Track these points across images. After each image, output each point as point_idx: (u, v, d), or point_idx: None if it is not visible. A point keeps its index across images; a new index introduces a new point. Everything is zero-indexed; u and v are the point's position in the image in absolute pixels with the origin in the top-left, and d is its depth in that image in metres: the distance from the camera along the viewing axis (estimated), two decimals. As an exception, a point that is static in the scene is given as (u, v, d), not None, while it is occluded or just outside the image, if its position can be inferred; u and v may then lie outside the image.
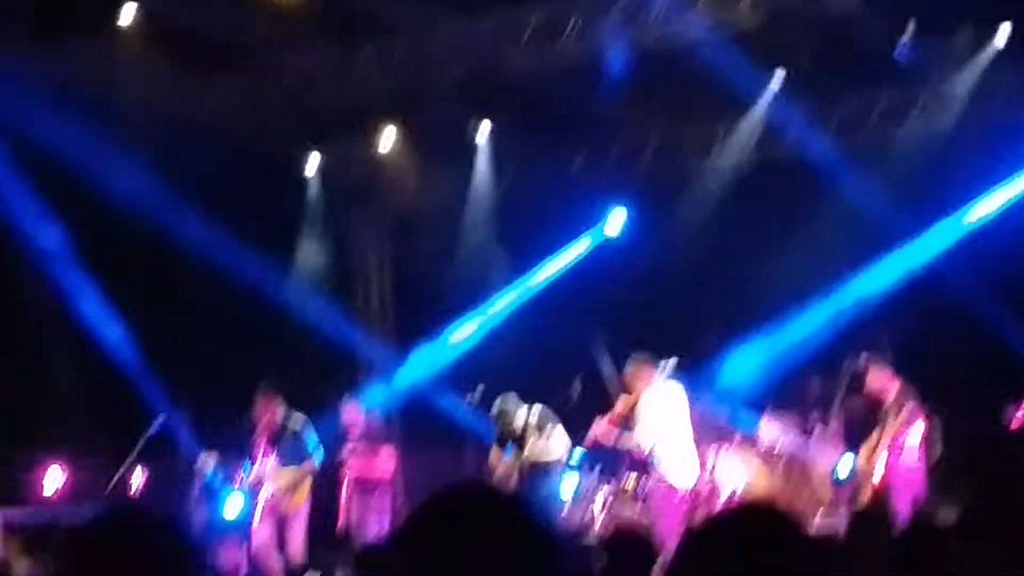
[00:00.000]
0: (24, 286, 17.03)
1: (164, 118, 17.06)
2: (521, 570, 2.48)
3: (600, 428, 15.11)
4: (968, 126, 17.61)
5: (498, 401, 15.90)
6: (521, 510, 2.59)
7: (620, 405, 15.14)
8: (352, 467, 16.16)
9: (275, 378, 15.88)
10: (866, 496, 14.71)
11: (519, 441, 15.78)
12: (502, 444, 15.96)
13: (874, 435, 14.95)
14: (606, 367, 15.53)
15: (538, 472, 15.63)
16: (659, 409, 14.91)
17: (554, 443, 15.63)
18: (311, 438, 15.56)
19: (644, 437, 14.79)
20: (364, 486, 16.02)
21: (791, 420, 17.13)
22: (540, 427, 15.68)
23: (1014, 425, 14.63)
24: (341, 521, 16.07)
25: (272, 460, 15.35)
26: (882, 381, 14.70)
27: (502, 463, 15.73)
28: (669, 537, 14.13)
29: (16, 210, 16.32)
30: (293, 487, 15.31)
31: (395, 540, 2.60)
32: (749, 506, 2.69)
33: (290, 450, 15.40)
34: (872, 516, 10.44)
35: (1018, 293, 16.39)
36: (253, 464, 15.39)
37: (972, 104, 17.66)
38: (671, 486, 14.72)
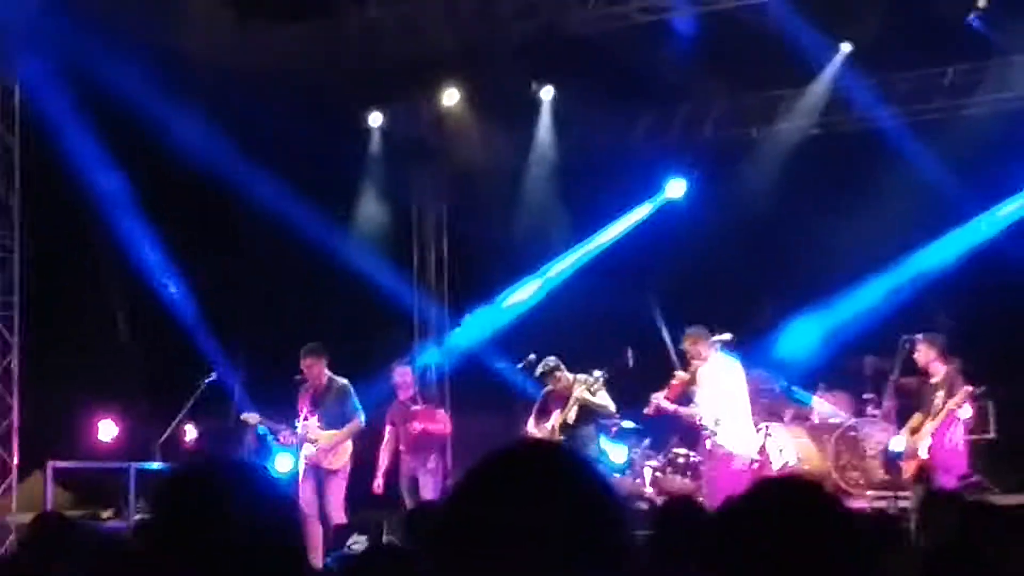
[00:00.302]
0: (85, 236, 17.09)
1: (228, 69, 17.03)
2: (580, 529, 2.42)
3: (661, 399, 15.06)
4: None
5: (546, 362, 15.81)
6: (579, 468, 2.53)
7: (679, 378, 15.07)
8: (407, 428, 16.16)
9: (321, 339, 15.88)
10: (910, 471, 14.60)
11: (562, 401, 15.69)
12: (541, 413, 15.88)
13: (919, 412, 14.84)
14: (664, 334, 15.41)
15: (585, 417, 15.50)
16: (720, 382, 14.84)
17: (601, 395, 15.55)
18: (354, 400, 15.57)
19: (705, 409, 14.73)
20: (417, 447, 16.02)
21: (844, 397, 17.04)
22: (588, 385, 15.62)
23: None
24: (380, 481, 16.07)
25: (314, 420, 15.38)
26: (929, 357, 14.57)
27: (538, 428, 15.64)
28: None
29: (80, 157, 16.34)
30: (334, 448, 15.35)
31: (451, 498, 2.55)
32: (787, 479, 2.65)
33: (333, 411, 15.43)
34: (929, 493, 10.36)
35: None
36: (299, 423, 15.43)
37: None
38: (730, 458, 14.64)
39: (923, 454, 14.41)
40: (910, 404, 16.55)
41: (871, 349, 16.91)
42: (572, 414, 15.45)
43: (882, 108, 18.00)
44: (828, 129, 18.75)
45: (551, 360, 15.67)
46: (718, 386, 14.79)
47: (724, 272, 17.72)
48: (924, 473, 14.42)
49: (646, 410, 15.27)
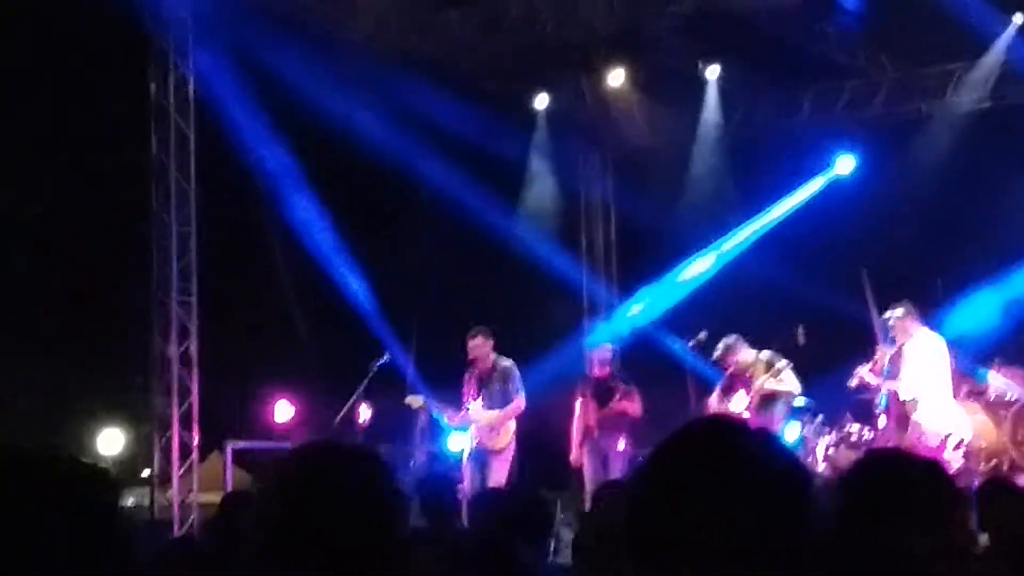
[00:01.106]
0: (259, 222, 17.38)
1: (396, 55, 17.24)
2: (770, 506, 2.42)
3: (866, 371, 15.00)
4: None
5: (726, 340, 15.79)
6: (767, 444, 2.54)
7: (883, 352, 15.00)
8: (607, 406, 16.21)
9: (491, 321, 16.02)
10: None
11: (746, 380, 15.68)
12: (726, 391, 15.89)
13: None
14: (872, 311, 15.28)
15: (768, 403, 15.50)
16: (926, 358, 14.75)
17: (786, 378, 15.51)
18: (517, 381, 15.67)
19: (907, 384, 14.65)
20: (613, 426, 16.03)
21: (1020, 373, 16.77)
22: (770, 364, 15.57)
23: None
24: (577, 453, 16.15)
25: (479, 402, 15.53)
26: None
27: (721, 408, 15.63)
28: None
29: (254, 147, 16.61)
30: (496, 428, 15.47)
31: (641, 475, 2.55)
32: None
33: (497, 392, 15.56)
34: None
35: None
36: (466, 404, 15.59)
37: None
38: (923, 435, 14.55)
39: None
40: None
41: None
42: (756, 401, 15.46)
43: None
44: (1000, 102, 18.45)
45: (730, 339, 15.68)
46: (924, 362, 14.70)
47: (897, 248, 17.54)
48: None
49: (850, 382, 15.20)
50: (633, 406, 16.16)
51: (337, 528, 3.04)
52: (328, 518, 3.05)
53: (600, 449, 16.01)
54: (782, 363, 15.41)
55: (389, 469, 3.26)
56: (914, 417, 14.57)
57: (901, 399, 14.65)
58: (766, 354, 15.59)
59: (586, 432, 16.17)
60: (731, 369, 15.82)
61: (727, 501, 2.41)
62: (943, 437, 14.67)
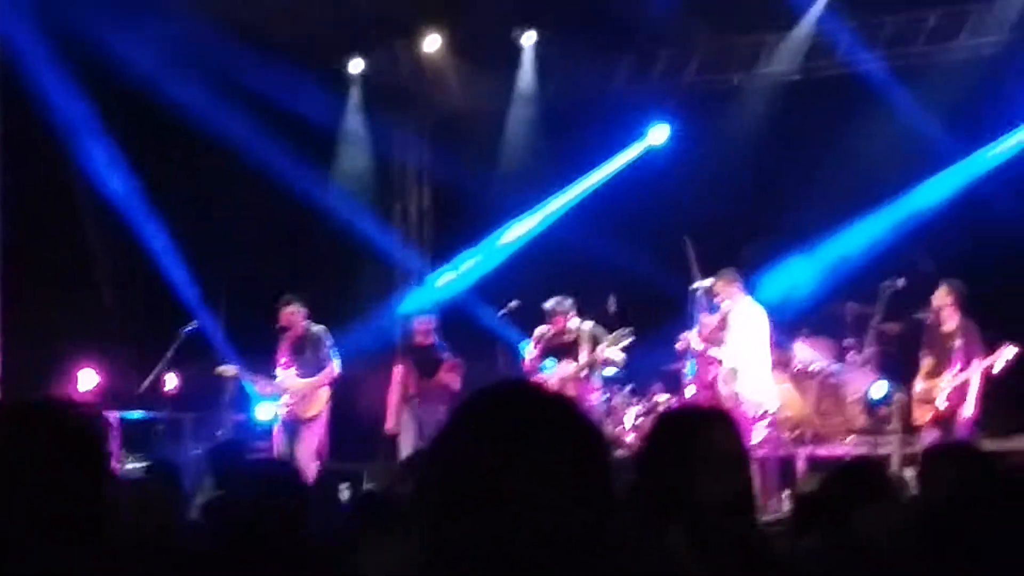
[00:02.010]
0: (67, 187, 17.00)
1: (209, 15, 16.95)
2: (565, 467, 2.43)
3: (693, 336, 15.10)
4: (1017, 47, 17.27)
5: (556, 300, 15.81)
6: (565, 408, 2.53)
7: (708, 319, 15.11)
8: (431, 376, 16.17)
9: (303, 287, 15.94)
10: (923, 418, 14.69)
11: (566, 345, 15.72)
12: (541, 354, 15.90)
13: (928, 359, 14.88)
14: (696, 276, 15.36)
15: (591, 374, 15.60)
16: (748, 326, 14.90)
17: (611, 350, 15.59)
18: (330, 347, 15.63)
19: (731, 353, 14.78)
20: (433, 396, 15.99)
21: (826, 343, 17.06)
22: (595, 337, 15.64)
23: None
24: (393, 421, 16.12)
25: (292, 370, 15.47)
26: (945, 302, 14.63)
27: (537, 373, 15.65)
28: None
29: (63, 110, 16.25)
30: (308, 395, 15.42)
31: (436, 442, 2.54)
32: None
33: (310, 359, 15.51)
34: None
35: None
36: (278, 372, 15.50)
37: (1021, 25, 17.28)
38: (740, 403, 14.70)
39: (940, 404, 14.49)
40: (891, 350, 16.65)
41: (853, 295, 16.94)
42: (583, 370, 15.54)
43: (864, 52, 17.90)
44: (811, 74, 18.65)
45: (557, 299, 15.72)
46: (746, 331, 14.84)
47: (706, 217, 17.65)
48: (939, 422, 14.53)
49: (677, 344, 15.31)
50: (456, 379, 16.17)
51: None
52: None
53: (419, 419, 16.00)
54: (625, 331, 15.51)
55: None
56: (735, 386, 14.72)
57: (724, 367, 14.77)
58: (587, 326, 15.66)
59: (406, 401, 16.14)
60: (549, 332, 15.84)
61: (524, 463, 2.41)
62: (761, 407, 14.85)
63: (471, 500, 2.40)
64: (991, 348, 14.41)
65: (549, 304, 15.85)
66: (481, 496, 2.39)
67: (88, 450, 3.17)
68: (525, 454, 2.41)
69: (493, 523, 2.38)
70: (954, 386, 14.40)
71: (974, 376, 14.34)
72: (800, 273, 17.65)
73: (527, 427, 2.45)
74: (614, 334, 15.50)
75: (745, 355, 14.80)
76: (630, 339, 15.49)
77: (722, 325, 15.01)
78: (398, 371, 16.35)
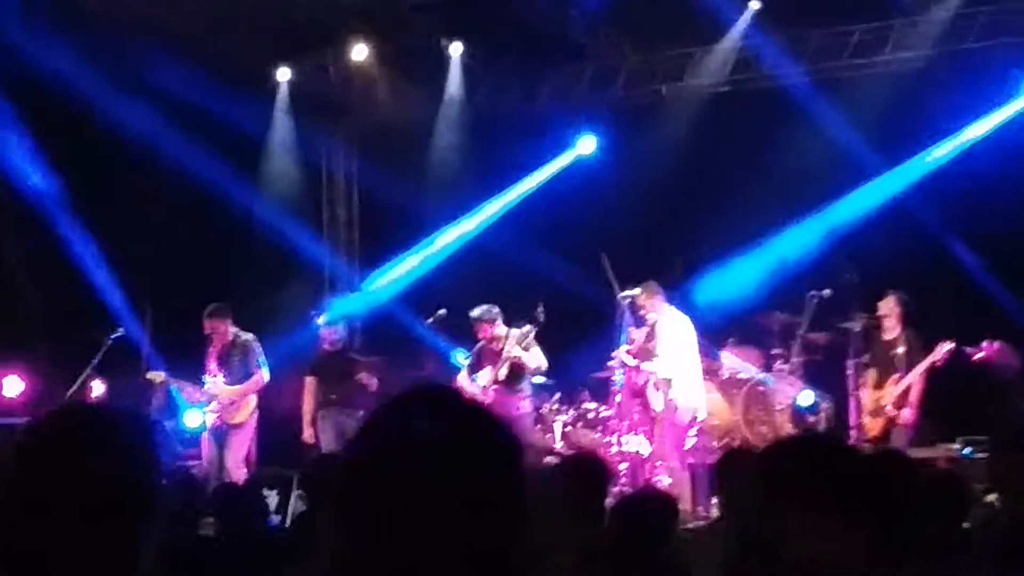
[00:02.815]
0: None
1: (134, 25, 16.88)
2: (479, 475, 2.41)
3: (623, 353, 15.15)
4: (942, 61, 17.49)
5: (487, 309, 15.83)
6: (480, 415, 2.51)
7: (636, 333, 15.18)
8: (350, 380, 16.16)
9: (231, 295, 15.93)
10: (876, 429, 15.03)
11: (495, 354, 15.74)
12: (474, 368, 15.94)
13: (872, 371, 15.27)
14: (616, 291, 15.41)
15: (515, 376, 15.60)
16: (678, 335, 14.99)
17: (534, 352, 15.62)
18: (259, 355, 15.63)
19: (665, 364, 14.85)
20: (353, 399, 15.98)
21: (754, 352, 17.17)
22: (520, 342, 15.66)
23: (976, 357, 14.73)
24: (311, 431, 16.10)
25: (220, 377, 15.47)
26: (893, 312, 15.04)
27: (471, 386, 15.67)
28: (670, 464, 14.42)
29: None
30: (236, 403, 15.42)
31: (350, 445, 2.52)
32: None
33: (238, 367, 15.52)
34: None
35: (984, 230, 16.37)
36: (205, 379, 15.48)
37: (946, 39, 17.49)
38: (675, 412, 14.80)
39: (889, 411, 14.77)
40: (818, 359, 16.81)
41: (780, 305, 17.07)
42: (504, 371, 15.53)
43: (790, 66, 18.06)
44: (737, 86, 18.80)
45: (484, 307, 15.76)
46: (676, 340, 14.94)
47: (634, 229, 17.77)
48: (890, 430, 14.84)
49: (610, 363, 15.36)
50: (373, 380, 16.18)
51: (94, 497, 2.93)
52: (83, 487, 2.94)
53: (339, 424, 15.98)
54: (528, 329, 15.54)
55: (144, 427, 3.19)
56: (670, 395, 14.83)
57: (661, 378, 14.86)
58: (515, 330, 15.70)
59: (325, 407, 16.13)
60: (481, 343, 15.88)
61: (434, 469, 2.39)
62: (693, 413, 14.99)
63: (379, 506, 2.39)
64: (929, 352, 14.73)
65: (475, 313, 15.90)
66: (390, 502, 2.38)
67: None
68: (436, 460, 2.39)
69: (401, 529, 2.37)
70: (898, 393, 14.70)
71: (916, 381, 14.64)
72: (725, 284, 17.77)
73: (439, 433, 2.43)
74: (518, 334, 15.53)
75: (677, 364, 14.91)
76: (531, 333, 15.51)
77: (650, 337, 15.10)
78: (309, 382, 16.35)
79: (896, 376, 14.88)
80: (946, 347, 14.68)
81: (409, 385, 2.61)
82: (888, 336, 15.14)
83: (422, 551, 2.37)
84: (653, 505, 7.49)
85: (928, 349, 14.84)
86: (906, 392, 14.80)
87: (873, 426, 15.09)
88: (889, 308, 15.12)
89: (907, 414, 14.74)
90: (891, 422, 14.86)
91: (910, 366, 14.82)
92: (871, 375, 15.31)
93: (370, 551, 2.39)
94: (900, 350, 14.93)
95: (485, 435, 2.48)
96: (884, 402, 14.92)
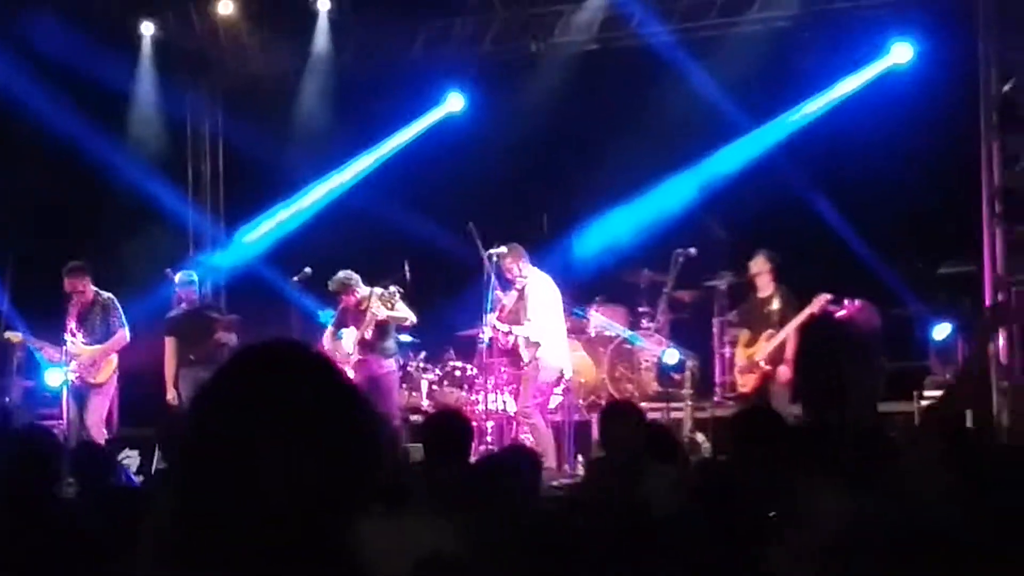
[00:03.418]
0: None
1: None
2: (325, 429, 2.36)
3: (495, 320, 15.09)
4: (808, 21, 17.60)
5: (344, 276, 15.68)
6: (329, 369, 2.46)
7: (506, 297, 15.13)
8: (209, 338, 15.97)
9: (94, 252, 15.69)
10: (749, 384, 15.13)
11: (359, 315, 15.61)
12: (338, 328, 15.81)
13: (744, 331, 15.46)
14: (484, 256, 15.30)
15: (381, 334, 15.49)
16: (545, 296, 14.97)
17: (399, 306, 15.51)
18: (120, 314, 15.44)
19: (535, 326, 14.83)
20: (216, 357, 15.78)
21: (620, 310, 17.24)
22: (382, 298, 15.54)
23: (838, 315, 14.88)
24: (174, 393, 15.89)
25: (80, 336, 15.26)
26: (763, 270, 15.15)
27: (334, 344, 15.55)
28: (533, 421, 14.45)
29: None
30: (97, 363, 15.24)
31: (193, 401, 2.46)
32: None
33: (99, 326, 15.32)
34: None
35: (848, 190, 16.55)
36: (66, 338, 15.25)
37: (811, 0, 17.62)
38: (546, 370, 14.81)
39: (762, 365, 14.86)
40: (684, 317, 16.93)
41: (647, 263, 17.15)
42: (370, 331, 15.40)
43: (658, 24, 18.08)
44: (606, 44, 18.77)
45: (343, 275, 15.59)
46: (544, 302, 14.93)
47: (503, 186, 17.75)
48: (761, 386, 14.98)
49: (482, 333, 15.29)
50: (232, 336, 16.04)
51: None
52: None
53: (198, 382, 15.73)
54: (392, 290, 15.44)
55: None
56: (538, 354, 14.82)
57: (530, 340, 14.85)
58: (378, 289, 15.59)
59: (187, 366, 15.95)
60: (343, 305, 15.75)
61: (277, 423, 2.33)
62: (560, 372, 15.02)
63: (222, 459, 2.34)
64: (803, 307, 14.86)
65: (333, 286, 15.69)
66: (232, 455, 2.33)
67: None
68: (279, 414, 2.35)
69: (242, 483, 2.32)
70: (771, 348, 14.81)
71: (790, 336, 14.75)
72: (592, 242, 17.83)
73: (283, 386, 2.39)
74: (381, 293, 15.42)
75: (545, 326, 14.92)
76: (396, 295, 15.43)
77: (519, 299, 15.08)
78: (168, 342, 16.15)
79: (769, 332, 14.97)
80: (823, 298, 14.79)
81: (252, 343, 2.53)
82: (762, 294, 15.26)
83: (252, 514, 2.32)
84: (517, 459, 7.49)
85: (802, 305, 14.94)
86: (781, 347, 14.88)
87: (746, 382, 15.20)
88: (759, 266, 15.25)
89: (783, 371, 14.84)
90: (765, 377, 14.95)
91: (783, 322, 14.93)
92: (743, 334, 15.41)
93: (203, 511, 2.34)
94: (775, 306, 15.05)
95: (331, 388, 2.43)
96: (757, 357, 15.01)
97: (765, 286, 15.26)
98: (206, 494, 2.34)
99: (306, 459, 2.32)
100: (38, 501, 5.96)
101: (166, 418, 13.15)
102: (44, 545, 5.38)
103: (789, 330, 14.89)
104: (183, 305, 16.36)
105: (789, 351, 14.88)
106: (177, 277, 16.53)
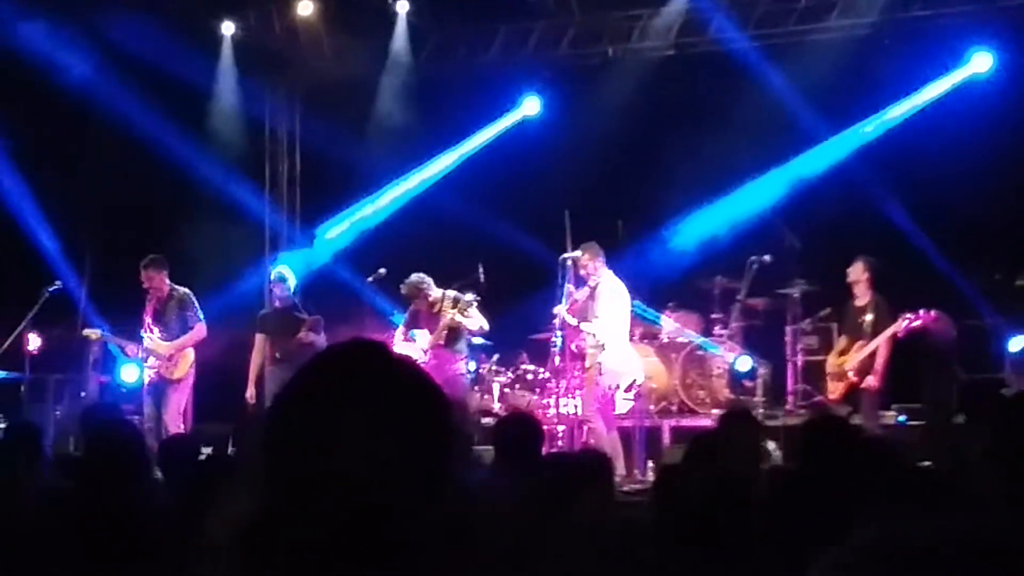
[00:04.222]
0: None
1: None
2: (406, 428, 2.39)
3: (564, 312, 15.10)
4: (887, 29, 17.53)
5: (416, 279, 15.75)
6: (409, 369, 2.50)
7: (577, 292, 15.12)
8: (292, 337, 16.09)
9: (171, 250, 15.81)
10: (837, 392, 15.09)
11: (432, 317, 15.68)
12: (409, 327, 15.88)
13: (842, 337, 15.43)
14: (568, 247, 15.32)
15: (453, 338, 15.55)
16: (615, 299, 14.97)
17: (473, 314, 15.55)
18: (196, 308, 15.51)
19: (601, 326, 14.82)
20: (298, 357, 15.85)
21: (693, 317, 17.21)
22: (457, 300, 15.59)
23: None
24: (253, 391, 15.97)
25: (157, 332, 15.32)
26: (861, 278, 15.06)
27: (405, 346, 15.61)
28: (594, 425, 14.42)
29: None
30: (174, 357, 15.31)
31: (275, 400, 2.50)
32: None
33: (175, 321, 15.39)
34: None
35: (925, 199, 16.45)
36: (144, 335, 15.35)
37: (892, 7, 17.54)
38: (606, 374, 14.79)
39: (851, 376, 14.85)
40: (757, 324, 16.87)
41: (721, 269, 17.11)
42: (443, 335, 15.47)
43: (736, 31, 18.07)
44: (682, 50, 18.78)
45: (416, 278, 15.65)
46: (613, 304, 14.92)
47: (577, 191, 17.74)
48: (850, 394, 14.93)
49: (554, 321, 15.30)
50: (318, 336, 16.10)
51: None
52: None
53: (282, 382, 15.83)
54: (469, 297, 15.48)
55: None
56: (600, 357, 14.81)
57: (595, 340, 14.83)
58: (452, 292, 15.64)
59: (272, 365, 16.05)
60: (415, 307, 15.82)
61: (363, 422, 2.37)
62: (620, 377, 14.99)
63: (306, 456, 2.37)
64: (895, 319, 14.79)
65: (408, 287, 15.74)
66: (316, 452, 2.36)
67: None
68: (363, 414, 2.38)
69: (326, 482, 2.35)
70: (861, 358, 14.75)
71: (881, 347, 14.67)
72: (667, 248, 17.83)
73: (367, 385, 2.42)
74: (460, 302, 15.48)
75: (611, 328, 14.90)
76: (473, 303, 15.47)
77: (591, 298, 15.06)
78: (259, 339, 16.25)
79: (860, 342, 14.91)
80: (907, 321, 14.66)
81: (335, 343, 2.57)
82: (859, 303, 15.15)
83: (336, 511, 2.34)
84: (587, 462, 7.49)
85: (896, 316, 14.84)
86: (871, 358, 14.82)
87: (834, 389, 15.17)
88: (857, 274, 15.12)
89: (871, 380, 14.76)
90: (852, 387, 14.90)
91: (875, 332, 14.84)
92: (840, 341, 15.38)
93: (287, 507, 2.37)
94: (868, 317, 14.95)
95: (413, 393, 2.46)
96: (847, 367, 14.97)
97: (862, 294, 15.14)
98: (289, 491, 2.37)
99: (388, 456, 2.36)
100: (124, 493, 6.00)
101: (243, 415, 13.24)
102: (131, 536, 5.44)
103: (879, 342, 14.79)
104: (276, 303, 16.46)
105: (879, 362, 14.78)
106: (272, 275, 16.64)
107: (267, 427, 2.46)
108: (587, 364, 14.89)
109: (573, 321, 15.09)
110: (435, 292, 15.66)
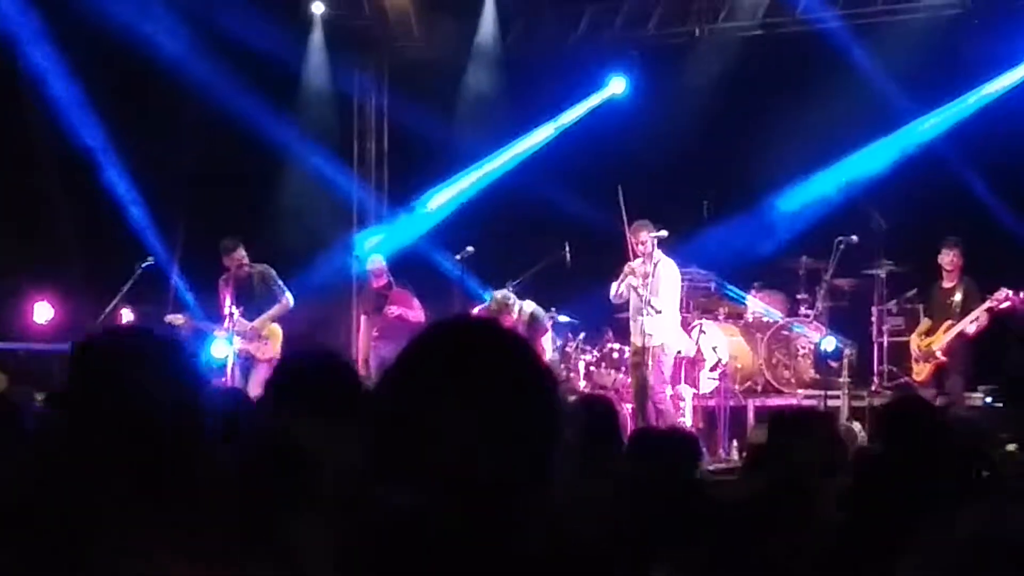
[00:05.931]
0: (23, 117, 16.93)
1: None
2: (517, 403, 2.42)
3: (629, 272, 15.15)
4: (976, 10, 17.42)
5: (499, 295, 15.81)
6: (518, 345, 2.52)
7: (638, 267, 15.15)
8: (383, 313, 16.25)
9: (260, 228, 15.96)
10: (924, 374, 15.18)
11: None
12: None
13: (926, 318, 15.50)
14: (625, 223, 15.37)
15: (534, 327, 15.70)
16: (671, 276, 15.04)
17: (545, 347, 15.67)
18: (278, 281, 15.59)
19: (662, 301, 14.87)
20: (392, 332, 16.01)
21: (779, 297, 17.21)
22: (533, 317, 15.71)
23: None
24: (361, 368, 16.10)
25: (237, 314, 15.39)
26: (955, 264, 15.07)
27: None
28: (658, 398, 14.47)
29: (19, 38, 16.26)
30: (262, 332, 15.43)
31: (386, 374, 2.52)
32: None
33: (258, 298, 15.50)
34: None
35: (1013, 180, 16.34)
36: (224, 312, 15.45)
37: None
38: (661, 349, 14.84)
39: (939, 355, 15.00)
40: (843, 305, 16.84)
41: (806, 249, 17.10)
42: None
43: (824, 10, 18.02)
44: (770, 30, 18.74)
45: (501, 296, 15.70)
46: (671, 283, 14.99)
47: (664, 170, 17.77)
48: (937, 375, 15.06)
49: (611, 294, 15.31)
50: (411, 312, 16.24)
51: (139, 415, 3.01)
52: (129, 404, 3.02)
53: (382, 359, 16.02)
54: (543, 318, 15.67)
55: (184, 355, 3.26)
56: (663, 339, 14.90)
57: (651, 316, 14.86)
58: (529, 308, 15.73)
59: (373, 343, 16.24)
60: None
61: (473, 397, 2.40)
62: (676, 352, 15.07)
63: (415, 430, 2.39)
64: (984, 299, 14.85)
65: (495, 304, 15.73)
66: (425, 427, 2.39)
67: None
68: (472, 387, 2.41)
69: (436, 453, 2.37)
70: (949, 339, 14.77)
71: (969, 327, 14.68)
72: (753, 228, 17.82)
73: (476, 360, 2.45)
74: (536, 321, 15.58)
75: (669, 304, 14.95)
76: (549, 331, 15.63)
77: (652, 275, 15.01)
78: (363, 321, 16.44)
79: (948, 323, 14.94)
80: (1004, 293, 14.72)
81: (440, 320, 2.62)
82: (947, 284, 15.23)
83: (443, 480, 2.38)
84: (674, 441, 7.54)
85: (984, 297, 14.88)
86: (959, 338, 14.87)
87: (920, 371, 15.20)
88: (952, 259, 15.19)
89: (958, 363, 14.83)
90: (939, 368, 14.94)
91: (964, 313, 14.89)
92: (924, 322, 15.41)
93: (395, 476, 2.41)
94: (957, 297, 15.04)
95: (523, 364, 2.50)
96: (935, 347, 15.00)
97: (951, 276, 15.21)
98: (397, 462, 2.41)
99: (495, 429, 2.39)
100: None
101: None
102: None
103: (966, 323, 14.81)
104: (372, 283, 16.65)
105: (966, 340, 14.85)
106: (367, 264, 16.82)
107: (376, 399, 2.52)
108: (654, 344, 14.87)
109: (636, 282, 14.95)
110: (515, 311, 15.68)
